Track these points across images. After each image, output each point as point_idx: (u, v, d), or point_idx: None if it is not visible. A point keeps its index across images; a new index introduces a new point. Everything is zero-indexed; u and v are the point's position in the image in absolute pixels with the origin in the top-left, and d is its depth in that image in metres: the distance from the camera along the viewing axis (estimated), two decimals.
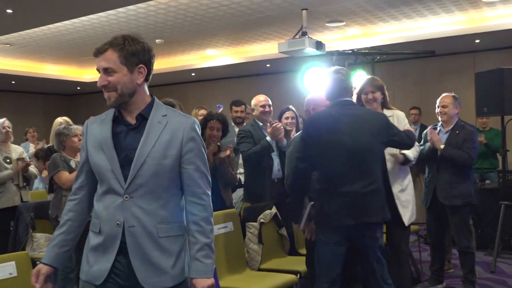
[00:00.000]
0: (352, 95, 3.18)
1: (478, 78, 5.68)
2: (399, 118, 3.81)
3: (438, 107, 4.45)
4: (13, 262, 2.38)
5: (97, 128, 1.97)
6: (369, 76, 3.91)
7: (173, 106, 3.43)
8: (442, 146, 4.22)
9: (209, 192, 2.01)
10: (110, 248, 1.89)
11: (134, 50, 1.90)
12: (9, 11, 5.27)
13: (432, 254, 4.64)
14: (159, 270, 1.89)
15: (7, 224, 4.86)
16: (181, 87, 11.42)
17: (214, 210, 3.82)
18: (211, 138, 3.92)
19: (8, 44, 7.62)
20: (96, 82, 1.97)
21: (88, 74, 10.63)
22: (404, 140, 3.21)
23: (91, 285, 1.93)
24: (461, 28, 6.97)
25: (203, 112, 5.37)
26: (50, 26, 6.38)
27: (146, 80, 1.97)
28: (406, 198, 3.71)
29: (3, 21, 5.69)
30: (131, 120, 1.95)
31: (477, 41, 7.41)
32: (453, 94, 4.46)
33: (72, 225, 2.00)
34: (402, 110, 3.99)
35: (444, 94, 4.49)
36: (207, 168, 2.01)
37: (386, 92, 3.88)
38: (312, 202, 3.04)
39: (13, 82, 10.58)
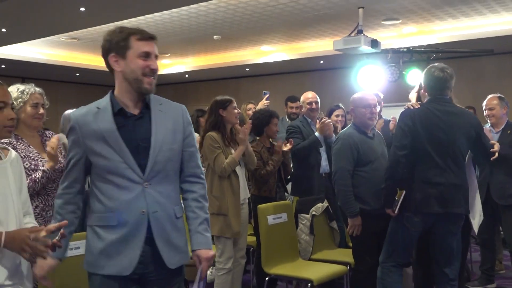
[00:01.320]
0: (451, 92, 3.28)
1: None
2: None
3: (485, 110, 4.42)
4: None
5: (93, 122, 1.96)
6: None
7: (230, 101, 3.67)
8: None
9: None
10: (136, 237, 1.93)
11: None
12: (82, 9, 5.66)
13: (482, 253, 4.65)
14: (179, 249, 2.01)
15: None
16: (235, 81, 11.69)
17: (279, 199, 4.17)
18: (275, 133, 4.18)
19: (76, 39, 8.10)
20: None
21: None
22: (487, 150, 3.36)
23: (116, 278, 1.94)
24: None
25: (251, 106, 5.52)
26: (117, 22, 6.75)
27: None
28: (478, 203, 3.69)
29: (77, 18, 6.09)
30: (134, 110, 2.00)
31: None
32: (499, 95, 4.43)
33: (74, 217, 2.06)
34: None
35: (490, 96, 4.45)
36: None
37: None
38: (404, 191, 3.21)
39: (77, 74, 11.17)
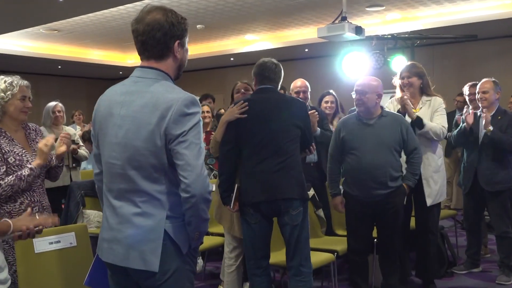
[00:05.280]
0: (277, 83, 3.25)
1: None
2: (434, 104, 3.92)
3: (478, 93, 4.40)
4: (73, 233, 2.60)
5: None
6: (409, 62, 4.03)
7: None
8: (491, 128, 4.19)
9: None
10: None
11: None
12: None
13: (468, 238, 4.68)
14: None
15: (59, 203, 5.16)
16: (220, 71, 11.60)
17: None
18: None
19: (56, 30, 7.94)
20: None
21: (131, 59, 10.92)
22: (311, 134, 3.33)
23: None
24: (505, 12, 6.83)
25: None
26: (97, 13, 6.62)
27: None
28: (436, 178, 3.87)
29: (55, 9, 5.96)
30: None
31: None
32: (493, 79, 4.40)
33: None
34: (442, 94, 4.08)
35: (484, 80, 4.42)
36: None
37: (426, 78, 3.96)
38: (237, 184, 3.18)
39: (59, 67, 10.99)
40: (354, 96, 3.64)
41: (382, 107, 3.65)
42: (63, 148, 2.74)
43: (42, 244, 2.45)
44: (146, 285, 1.89)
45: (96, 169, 2.07)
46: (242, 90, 3.84)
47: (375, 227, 3.74)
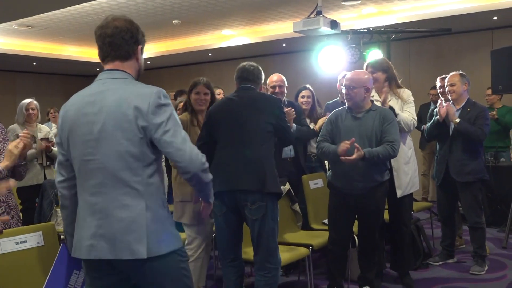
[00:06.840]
0: (256, 83, 3.40)
1: (493, 55, 5.66)
2: (403, 96, 3.97)
3: (446, 86, 4.47)
4: (40, 232, 2.55)
5: None
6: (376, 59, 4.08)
7: (194, 85, 3.80)
8: (457, 120, 4.25)
9: None
10: None
11: None
12: None
13: (443, 230, 4.73)
14: None
15: (32, 201, 5.08)
16: (198, 67, 11.52)
17: None
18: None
19: (29, 26, 7.78)
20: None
21: None
22: (287, 130, 3.36)
23: None
24: (478, 5, 6.90)
25: (219, 91, 5.45)
26: (70, 8, 6.51)
27: None
28: (406, 170, 3.89)
29: (25, 4, 5.83)
30: None
31: (495, 18, 7.32)
32: (460, 72, 4.48)
33: None
34: (418, 87, 4.10)
35: (451, 73, 4.50)
36: None
37: (392, 71, 4.01)
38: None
39: (34, 63, 10.80)
40: (343, 90, 3.65)
41: (372, 102, 3.66)
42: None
43: (7, 244, 2.40)
44: (133, 274, 1.97)
45: (60, 176, 2.10)
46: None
47: (356, 221, 3.76)
